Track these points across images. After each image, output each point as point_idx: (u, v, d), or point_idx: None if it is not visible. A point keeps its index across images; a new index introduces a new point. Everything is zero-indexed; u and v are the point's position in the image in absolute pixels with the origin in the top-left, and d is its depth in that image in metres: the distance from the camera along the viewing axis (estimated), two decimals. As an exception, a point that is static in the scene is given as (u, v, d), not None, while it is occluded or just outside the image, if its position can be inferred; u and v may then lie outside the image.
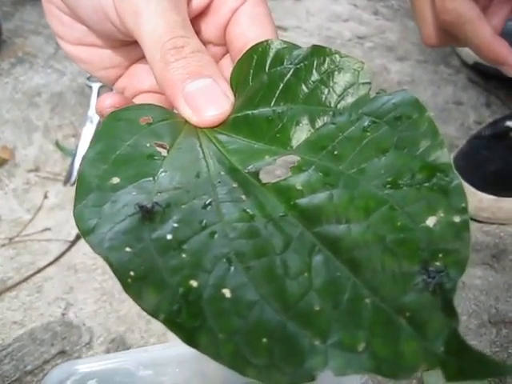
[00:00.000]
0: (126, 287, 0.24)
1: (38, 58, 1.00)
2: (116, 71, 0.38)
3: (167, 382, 0.52)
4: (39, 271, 0.67)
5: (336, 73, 0.29)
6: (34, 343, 0.61)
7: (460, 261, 0.23)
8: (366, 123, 0.27)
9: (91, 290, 0.66)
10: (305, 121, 0.29)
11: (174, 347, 0.52)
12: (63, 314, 0.63)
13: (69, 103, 0.92)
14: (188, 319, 0.23)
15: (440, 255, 0.23)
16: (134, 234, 0.25)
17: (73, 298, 0.65)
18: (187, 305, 0.23)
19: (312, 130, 0.28)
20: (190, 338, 0.23)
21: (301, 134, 0.28)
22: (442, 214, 0.24)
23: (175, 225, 0.25)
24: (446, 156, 0.25)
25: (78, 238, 0.71)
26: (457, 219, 0.24)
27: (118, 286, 0.67)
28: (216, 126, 0.30)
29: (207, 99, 0.30)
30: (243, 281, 0.24)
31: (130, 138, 0.28)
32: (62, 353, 0.60)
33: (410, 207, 0.25)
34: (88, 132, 0.84)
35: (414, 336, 0.22)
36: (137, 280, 0.24)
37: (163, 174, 0.27)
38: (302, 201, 0.26)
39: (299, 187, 0.27)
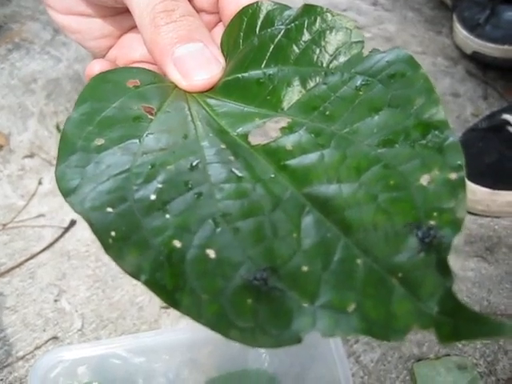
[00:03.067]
0: (107, 247, 0.23)
1: (34, 44, 0.99)
2: (107, 41, 0.38)
3: (158, 368, 0.52)
4: (32, 257, 0.67)
5: (328, 32, 0.28)
6: (27, 329, 0.61)
7: (456, 220, 0.23)
8: (358, 82, 0.27)
9: (84, 277, 0.65)
10: (296, 82, 0.28)
11: (166, 334, 0.52)
12: (56, 301, 0.63)
13: (65, 90, 0.91)
14: (170, 280, 0.22)
15: (435, 214, 0.23)
16: (117, 194, 0.25)
17: (65, 285, 0.65)
18: (170, 265, 0.23)
19: (303, 92, 0.28)
20: (171, 299, 0.22)
21: (292, 95, 0.28)
22: (436, 172, 0.24)
23: (160, 185, 0.25)
24: (441, 113, 0.25)
25: (71, 224, 0.71)
26: (452, 176, 0.23)
27: (111, 272, 0.68)
28: (206, 91, 0.30)
29: (197, 63, 0.29)
30: (230, 242, 0.23)
31: (117, 100, 0.28)
32: (54, 339, 0.60)
33: (403, 166, 0.24)
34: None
35: (406, 297, 0.22)
36: (118, 240, 0.23)
37: (149, 136, 0.27)
38: (292, 161, 0.26)
39: (289, 148, 0.26)
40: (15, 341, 0.60)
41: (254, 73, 0.29)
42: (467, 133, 0.76)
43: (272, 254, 0.23)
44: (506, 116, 0.74)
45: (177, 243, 0.23)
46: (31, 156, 0.80)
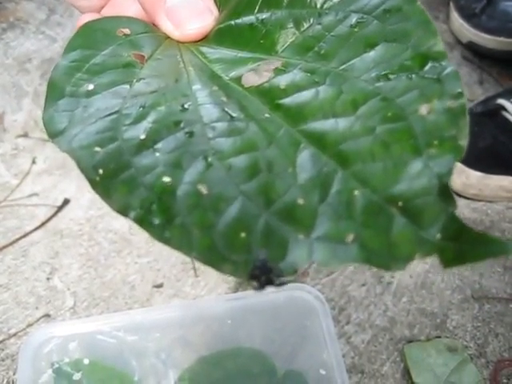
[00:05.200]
0: (94, 185, 0.23)
1: (29, 24, 0.99)
2: (99, 0, 0.37)
3: (150, 346, 0.52)
4: (25, 236, 0.67)
5: None
6: (19, 306, 0.61)
7: (457, 146, 0.23)
8: (353, 20, 0.27)
9: (76, 256, 0.65)
10: (290, 25, 0.28)
11: (157, 312, 0.52)
12: (48, 279, 0.63)
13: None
14: (160, 216, 0.22)
15: (435, 142, 0.23)
16: (105, 134, 0.25)
17: (58, 263, 0.65)
18: (159, 202, 0.23)
19: (297, 34, 0.28)
20: (161, 235, 0.22)
21: (286, 38, 0.28)
22: (436, 102, 0.24)
23: (150, 125, 0.25)
24: (439, 44, 0.25)
25: (65, 203, 0.70)
26: (453, 104, 0.23)
27: (103, 251, 0.67)
28: (198, 41, 0.30)
29: (189, 13, 0.29)
30: (222, 178, 0.23)
31: (106, 48, 0.28)
32: (47, 316, 0.60)
33: (401, 98, 0.24)
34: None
35: (407, 225, 0.21)
36: (105, 178, 0.23)
37: (140, 81, 0.27)
38: (286, 100, 0.26)
39: (283, 87, 0.26)
40: (7, 318, 0.60)
41: (247, 18, 0.29)
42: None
43: (266, 189, 0.23)
44: (501, 101, 0.74)
45: (167, 179, 0.23)
46: (25, 135, 0.80)
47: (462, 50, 0.98)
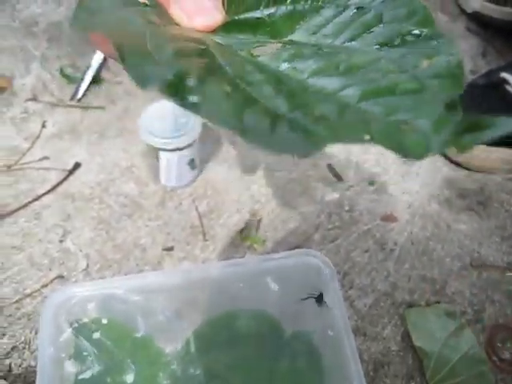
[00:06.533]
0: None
1: (35, -14, 0.99)
2: None
3: (160, 307, 0.54)
4: (37, 199, 0.69)
5: None
6: (33, 267, 0.63)
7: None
8: (353, 11, 0.31)
9: (88, 219, 0.67)
10: (293, 17, 0.31)
11: (167, 274, 0.54)
12: (61, 241, 0.65)
13: (66, 34, 0.91)
14: None
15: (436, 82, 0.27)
16: None
17: (70, 226, 0.66)
18: None
19: (301, 23, 0.31)
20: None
21: (291, 26, 0.31)
22: (435, 58, 0.27)
23: None
24: (435, 28, 0.29)
25: (75, 167, 0.72)
26: (450, 58, 0.27)
27: (114, 215, 0.69)
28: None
29: (199, 9, 0.31)
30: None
31: None
32: (60, 277, 0.62)
33: (402, 59, 0.28)
34: (97, 59, 0.85)
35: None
36: None
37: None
38: (285, 65, 0.29)
39: (286, 56, 0.29)
40: (22, 279, 0.62)
41: (254, 13, 0.32)
42: (465, 89, 0.77)
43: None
44: (504, 74, 0.75)
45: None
46: (34, 99, 0.81)
47: (465, 20, 0.98)
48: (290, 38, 0.31)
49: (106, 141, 0.76)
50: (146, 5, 0.31)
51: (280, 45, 0.30)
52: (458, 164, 0.75)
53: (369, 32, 0.29)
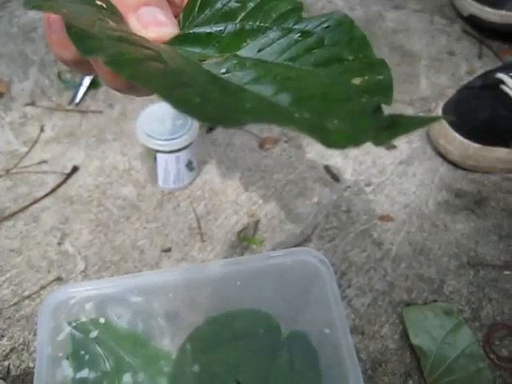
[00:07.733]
0: None
1: (33, -7, 0.99)
2: None
3: (159, 307, 0.54)
4: (36, 202, 0.69)
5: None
6: (32, 270, 0.63)
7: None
8: (297, 34, 0.33)
9: (86, 221, 0.67)
10: (241, 35, 0.34)
11: (166, 274, 0.54)
12: (59, 244, 0.65)
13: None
14: None
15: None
16: None
17: (69, 228, 0.67)
18: None
19: (247, 41, 0.33)
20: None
21: (237, 44, 0.33)
22: (366, 77, 0.29)
23: None
24: (373, 54, 0.31)
25: (74, 170, 0.72)
26: (381, 77, 0.29)
27: (113, 217, 0.69)
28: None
29: (155, 21, 0.33)
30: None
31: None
32: (59, 279, 0.62)
33: (337, 77, 0.30)
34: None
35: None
36: None
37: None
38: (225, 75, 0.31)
39: (224, 69, 0.31)
40: (21, 281, 0.62)
41: (204, 28, 0.35)
42: (462, 90, 0.78)
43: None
44: (500, 75, 0.75)
45: None
46: (33, 104, 0.82)
47: (462, 23, 0.99)
48: (236, 53, 0.33)
49: (104, 144, 0.76)
50: (103, 8, 0.32)
51: (225, 57, 0.32)
52: (454, 164, 0.75)
53: (310, 53, 0.32)
